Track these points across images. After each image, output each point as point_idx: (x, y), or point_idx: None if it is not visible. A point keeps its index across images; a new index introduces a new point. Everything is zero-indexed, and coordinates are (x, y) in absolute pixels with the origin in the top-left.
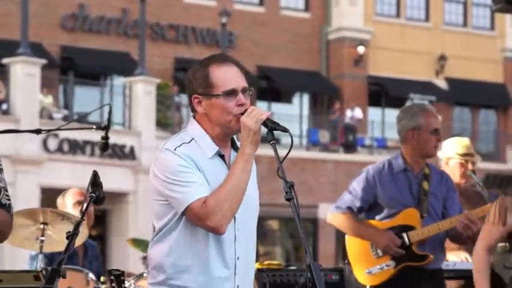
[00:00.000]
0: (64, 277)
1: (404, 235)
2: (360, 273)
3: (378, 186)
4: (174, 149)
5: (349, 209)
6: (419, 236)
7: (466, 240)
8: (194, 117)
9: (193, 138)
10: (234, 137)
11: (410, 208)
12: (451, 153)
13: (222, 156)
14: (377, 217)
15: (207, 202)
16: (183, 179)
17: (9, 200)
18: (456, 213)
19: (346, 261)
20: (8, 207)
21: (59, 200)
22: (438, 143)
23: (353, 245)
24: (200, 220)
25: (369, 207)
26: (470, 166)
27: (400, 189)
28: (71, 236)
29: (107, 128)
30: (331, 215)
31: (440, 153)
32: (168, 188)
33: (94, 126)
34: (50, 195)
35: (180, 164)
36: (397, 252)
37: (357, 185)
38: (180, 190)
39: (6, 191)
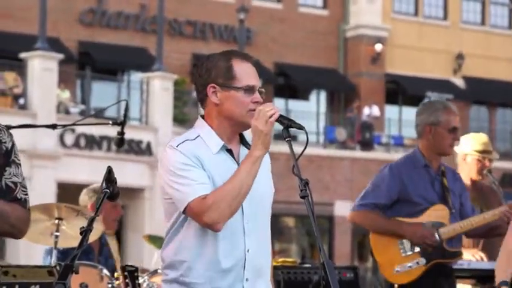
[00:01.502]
0: (77, 273)
1: (435, 231)
2: (389, 272)
3: (405, 183)
4: (177, 146)
5: (376, 206)
6: (450, 233)
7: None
8: (202, 116)
9: (199, 135)
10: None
11: (439, 204)
12: (468, 150)
13: (229, 151)
14: (401, 214)
15: (207, 198)
16: (183, 177)
17: (26, 194)
18: (470, 210)
19: (372, 260)
20: (24, 202)
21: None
22: (455, 141)
23: (379, 243)
24: (197, 216)
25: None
26: (487, 163)
27: (425, 185)
28: (85, 232)
29: (122, 124)
30: (356, 214)
31: (457, 149)
32: (170, 186)
33: (110, 122)
34: (66, 191)
35: (181, 161)
36: (433, 245)
37: (381, 182)
38: (180, 188)
39: (23, 186)
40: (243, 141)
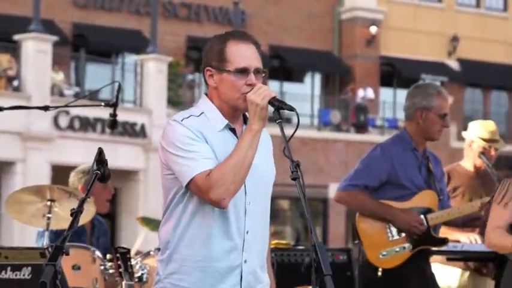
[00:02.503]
0: (67, 254)
1: (422, 217)
2: (374, 256)
3: (395, 165)
4: (182, 120)
5: (366, 187)
6: (438, 219)
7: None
8: (206, 94)
9: (203, 112)
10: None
11: (427, 190)
12: (474, 137)
13: (232, 130)
14: (388, 197)
15: (211, 175)
16: (187, 151)
17: None
18: (446, 197)
19: (357, 242)
20: None
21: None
22: (443, 128)
23: (366, 226)
24: (203, 193)
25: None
26: (493, 152)
27: (413, 169)
28: (75, 213)
29: (115, 105)
30: (345, 193)
31: (464, 134)
32: (173, 160)
33: (102, 104)
34: (60, 173)
35: (186, 135)
36: (419, 234)
37: (373, 163)
38: (185, 162)
39: None
40: (246, 121)
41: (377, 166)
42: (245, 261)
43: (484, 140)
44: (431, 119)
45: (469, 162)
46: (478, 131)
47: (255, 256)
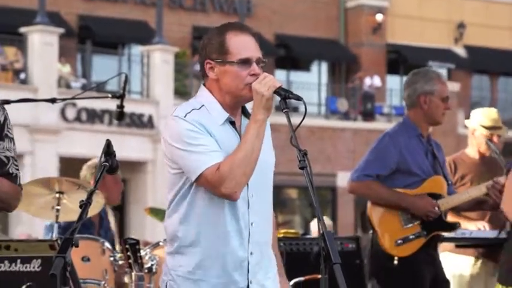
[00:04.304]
0: (77, 246)
1: (436, 204)
2: (389, 244)
3: (404, 153)
4: (185, 116)
5: (378, 177)
6: (449, 204)
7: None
8: (204, 85)
9: (203, 105)
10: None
11: (436, 176)
12: (477, 125)
13: (232, 123)
14: (398, 185)
15: (220, 169)
16: (194, 146)
17: (17, 169)
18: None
19: (371, 231)
20: (15, 177)
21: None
22: (446, 111)
23: (379, 214)
24: (214, 187)
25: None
26: (495, 139)
27: (421, 155)
28: (84, 205)
29: (122, 97)
30: (359, 184)
31: (467, 122)
32: (180, 156)
33: (109, 95)
34: (68, 165)
35: (190, 129)
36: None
37: (383, 152)
38: (192, 157)
39: (16, 161)
40: (244, 112)
41: (388, 155)
42: (251, 253)
43: (486, 127)
44: (435, 103)
45: (473, 149)
46: (480, 119)
47: (260, 247)
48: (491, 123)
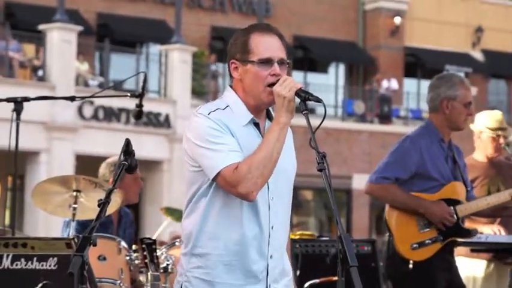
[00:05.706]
0: (95, 245)
1: (453, 211)
2: (405, 248)
3: (424, 157)
4: (208, 114)
5: (397, 180)
6: (467, 211)
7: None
8: (231, 86)
9: (228, 105)
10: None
11: (455, 181)
12: (482, 127)
13: (256, 125)
14: (416, 189)
15: (239, 168)
16: (214, 144)
17: None
18: (471, 188)
19: (388, 234)
20: None
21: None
22: (469, 117)
23: (396, 218)
24: (231, 186)
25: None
26: (501, 140)
27: (441, 160)
28: (102, 204)
29: (141, 96)
30: (376, 186)
31: (472, 126)
32: (200, 153)
33: (128, 94)
34: (84, 163)
35: (213, 127)
36: (450, 225)
37: (403, 155)
38: (212, 155)
39: None
40: (269, 115)
41: (408, 158)
42: (271, 257)
43: (491, 129)
44: (457, 109)
45: (480, 153)
46: (485, 121)
47: (279, 250)
48: (497, 124)
